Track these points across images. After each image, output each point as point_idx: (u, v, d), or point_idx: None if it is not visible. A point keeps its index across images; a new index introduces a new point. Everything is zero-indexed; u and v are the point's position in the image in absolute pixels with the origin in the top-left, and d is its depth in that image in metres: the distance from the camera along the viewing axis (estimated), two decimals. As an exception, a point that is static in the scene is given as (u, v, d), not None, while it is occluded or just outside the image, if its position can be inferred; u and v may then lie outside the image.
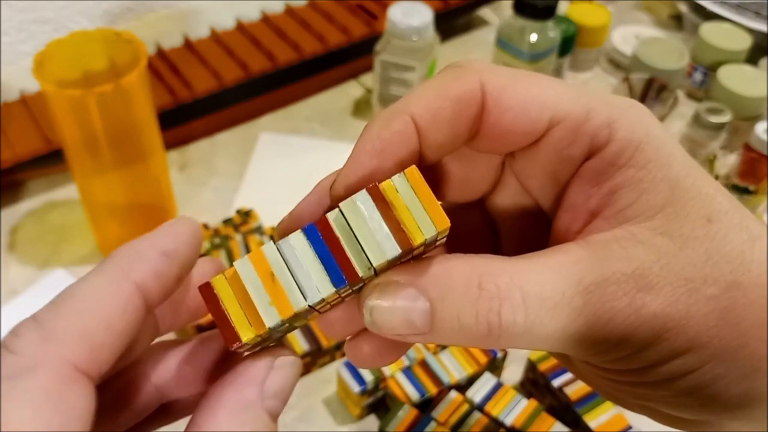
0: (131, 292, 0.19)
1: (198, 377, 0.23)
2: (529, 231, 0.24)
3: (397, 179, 0.19)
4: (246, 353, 0.21)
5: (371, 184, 0.19)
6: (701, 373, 0.20)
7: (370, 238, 0.19)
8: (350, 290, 0.20)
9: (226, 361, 0.24)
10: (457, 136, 0.21)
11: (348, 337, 0.23)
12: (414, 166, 0.20)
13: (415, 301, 0.19)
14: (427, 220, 0.19)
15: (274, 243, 0.20)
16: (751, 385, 0.20)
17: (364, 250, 0.19)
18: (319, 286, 0.19)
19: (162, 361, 0.23)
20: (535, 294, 0.19)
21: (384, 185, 0.19)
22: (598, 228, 0.21)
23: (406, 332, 0.20)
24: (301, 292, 0.19)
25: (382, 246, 0.19)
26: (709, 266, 0.20)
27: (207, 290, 0.19)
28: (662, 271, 0.19)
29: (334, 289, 0.19)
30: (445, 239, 0.21)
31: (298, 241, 0.19)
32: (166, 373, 0.23)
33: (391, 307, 0.19)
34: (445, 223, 0.19)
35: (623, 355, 0.20)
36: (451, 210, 0.24)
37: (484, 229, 0.25)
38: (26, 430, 0.16)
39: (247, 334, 0.19)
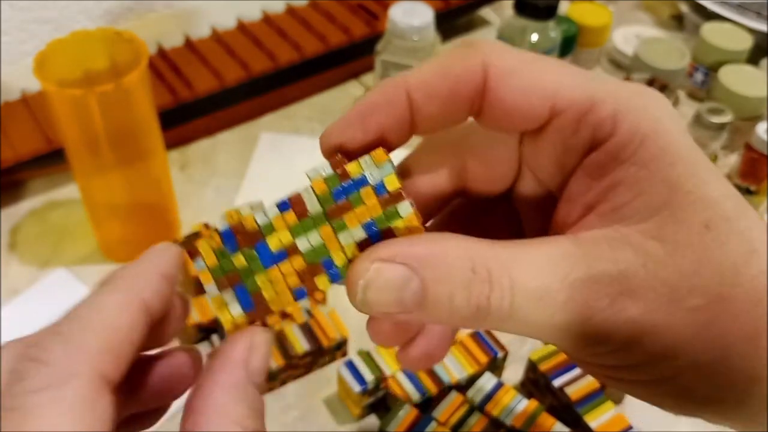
0: (143, 309, 0.21)
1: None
2: (548, 219, 0.25)
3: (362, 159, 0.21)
4: (226, 328, 0.23)
5: (337, 157, 0.21)
6: (683, 380, 0.20)
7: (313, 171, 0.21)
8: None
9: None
10: (453, 112, 0.22)
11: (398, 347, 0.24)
12: (380, 148, 0.21)
13: (409, 281, 0.20)
14: (368, 159, 0.21)
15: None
16: (726, 395, 0.20)
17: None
18: (268, 210, 0.21)
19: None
20: (523, 284, 0.20)
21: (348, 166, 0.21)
22: (591, 224, 0.21)
23: (395, 311, 0.20)
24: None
25: (318, 170, 0.21)
26: (697, 276, 0.19)
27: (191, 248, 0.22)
28: (647, 275, 0.19)
29: (276, 209, 0.21)
30: (413, 215, 0.21)
31: (270, 208, 0.22)
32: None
33: (384, 286, 0.20)
34: (383, 155, 0.21)
35: (604, 352, 0.20)
36: (477, 203, 0.25)
37: (508, 219, 0.26)
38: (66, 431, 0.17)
39: (203, 246, 0.22)
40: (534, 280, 0.20)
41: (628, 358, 0.20)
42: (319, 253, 0.22)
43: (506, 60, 0.21)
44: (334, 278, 0.22)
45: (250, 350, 0.22)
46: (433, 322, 0.21)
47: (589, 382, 0.49)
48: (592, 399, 0.48)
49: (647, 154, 0.20)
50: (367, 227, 0.21)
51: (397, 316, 0.21)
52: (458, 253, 0.20)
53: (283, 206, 0.21)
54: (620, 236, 0.20)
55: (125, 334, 0.20)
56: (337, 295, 0.57)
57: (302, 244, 0.21)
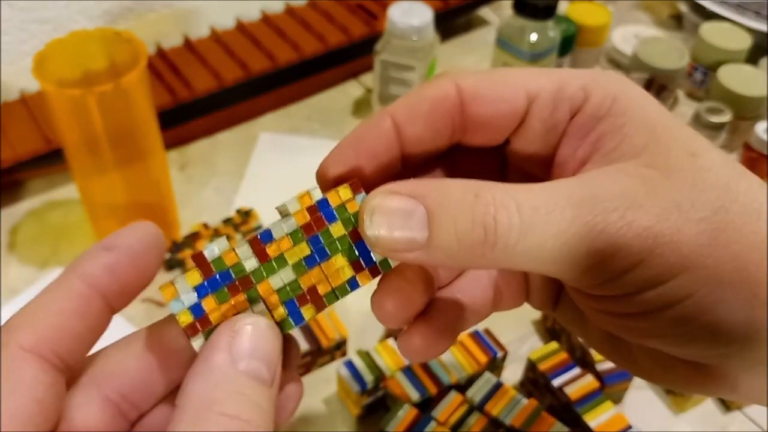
0: (76, 283, 0.21)
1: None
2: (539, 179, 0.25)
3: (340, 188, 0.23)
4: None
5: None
6: (699, 298, 0.20)
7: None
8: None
9: None
10: (436, 130, 0.23)
11: (401, 328, 0.25)
12: (347, 183, 0.23)
13: (415, 208, 0.20)
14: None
15: None
16: (754, 313, 0.20)
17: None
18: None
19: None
20: (529, 204, 0.20)
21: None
22: (588, 171, 0.22)
23: (404, 242, 0.21)
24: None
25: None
26: (695, 192, 0.20)
27: (199, 257, 0.22)
28: (649, 194, 0.20)
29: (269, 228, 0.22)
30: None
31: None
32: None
33: (391, 212, 0.21)
34: (348, 191, 0.23)
35: (616, 275, 0.20)
36: (470, 153, 0.26)
37: (496, 175, 0.26)
38: None
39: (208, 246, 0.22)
40: (540, 201, 0.20)
41: (644, 275, 0.20)
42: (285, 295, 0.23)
43: (474, 75, 0.23)
44: (297, 321, 0.23)
45: (232, 334, 0.21)
46: (443, 258, 0.21)
47: (589, 382, 0.49)
48: (591, 398, 0.48)
49: (621, 107, 0.22)
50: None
51: (405, 255, 0.21)
52: (460, 185, 0.21)
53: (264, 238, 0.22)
54: (615, 169, 0.21)
55: (51, 307, 0.21)
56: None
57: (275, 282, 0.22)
